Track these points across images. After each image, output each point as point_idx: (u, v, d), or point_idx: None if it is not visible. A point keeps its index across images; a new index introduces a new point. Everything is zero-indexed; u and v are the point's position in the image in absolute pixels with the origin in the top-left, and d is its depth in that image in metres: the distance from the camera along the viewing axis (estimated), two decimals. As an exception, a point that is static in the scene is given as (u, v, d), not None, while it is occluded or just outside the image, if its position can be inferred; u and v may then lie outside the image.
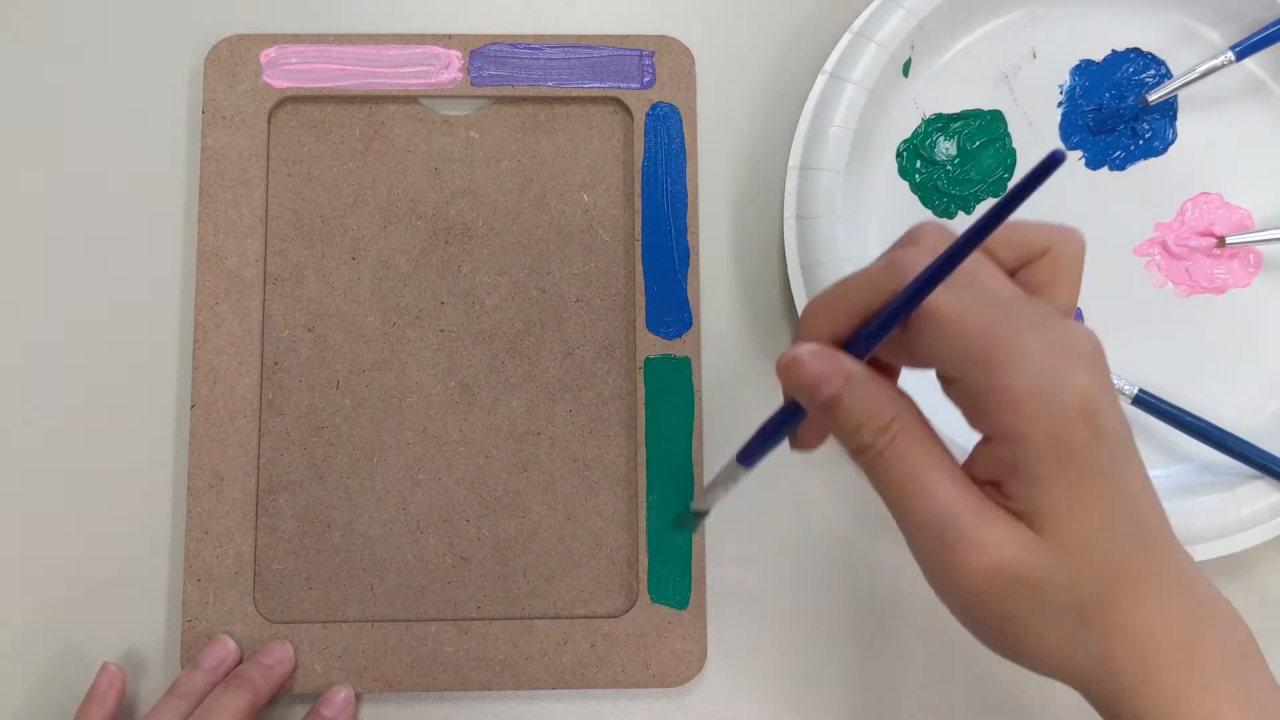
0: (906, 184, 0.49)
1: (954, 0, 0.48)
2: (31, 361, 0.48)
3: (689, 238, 0.48)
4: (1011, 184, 0.26)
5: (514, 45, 0.49)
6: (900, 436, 0.30)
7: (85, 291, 0.48)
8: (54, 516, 0.47)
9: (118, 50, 0.50)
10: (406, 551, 0.46)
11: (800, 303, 0.46)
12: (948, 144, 0.49)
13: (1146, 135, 0.49)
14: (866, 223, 0.48)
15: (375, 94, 0.49)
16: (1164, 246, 0.49)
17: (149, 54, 0.50)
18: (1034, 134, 0.49)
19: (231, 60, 0.49)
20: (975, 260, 0.29)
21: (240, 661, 0.45)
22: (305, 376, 0.47)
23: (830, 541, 0.47)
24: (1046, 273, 0.31)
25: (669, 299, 0.48)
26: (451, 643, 0.45)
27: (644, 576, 0.46)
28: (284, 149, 0.49)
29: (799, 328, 0.32)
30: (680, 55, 0.50)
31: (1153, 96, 0.48)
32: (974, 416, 0.29)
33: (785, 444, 0.34)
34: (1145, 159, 0.49)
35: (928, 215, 0.49)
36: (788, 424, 0.33)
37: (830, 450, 0.36)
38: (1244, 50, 0.48)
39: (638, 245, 0.48)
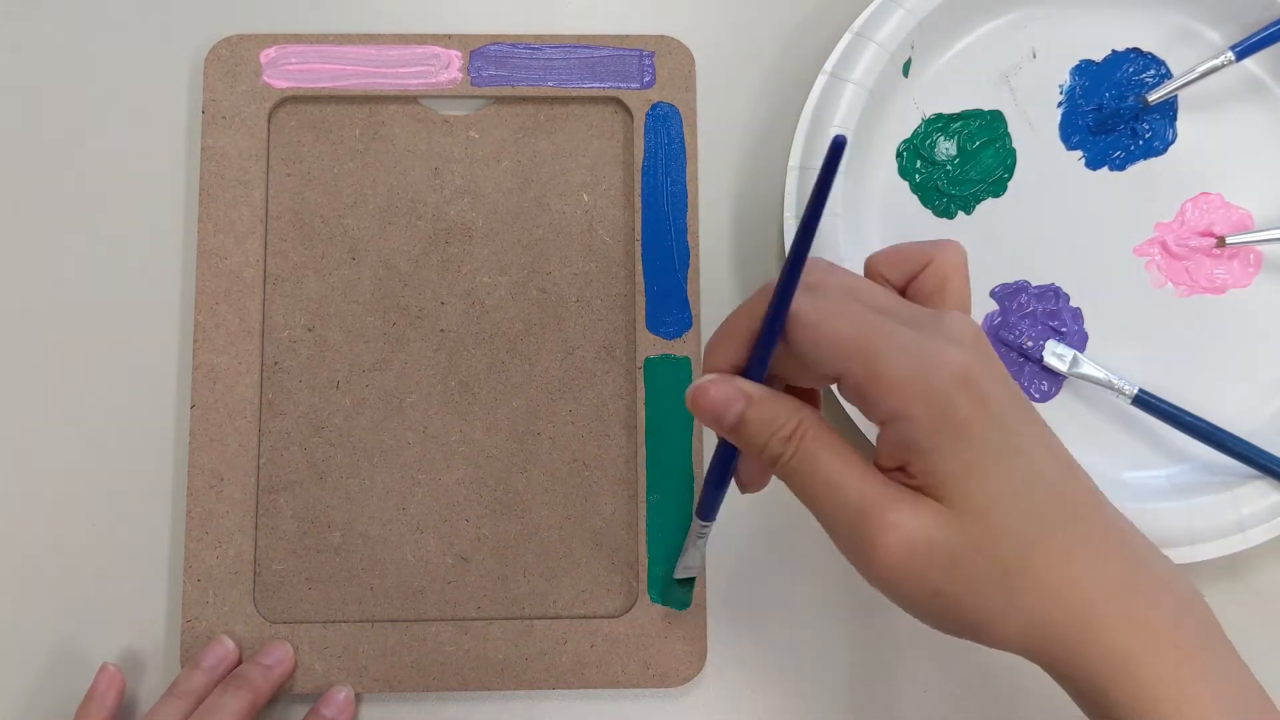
0: (906, 184, 0.49)
1: (954, 0, 0.48)
2: (32, 361, 0.48)
3: (689, 238, 0.48)
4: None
5: (514, 45, 0.49)
6: (805, 441, 0.32)
7: (85, 291, 0.48)
8: (54, 516, 0.47)
9: (118, 50, 0.50)
10: (406, 552, 0.46)
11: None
12: (948, 144, 0.49)
13: (1146, 135, 0.49)
14: (866, 223, 0.48)
15: (375, 94, 0.49)
16: (1164, 246, 0.49)
17: (149, 54, 0.50)
18: (1034, 134, 0.49)
19: (231, 60, 0.49)
20: (856, 281, 0.33)
21: (240, 661, 0.45)
22: (305, 376, 0.47)
23: (830, 542, 0.47)
24: (933, 282, 0.33)
25: (669, 299, 0.48)
26: (451, 643, 0.45)
27: (644, 576, 0.46)
28: (284, 149, 0.49)
29: (703, 363, 0.34)
30: (680, 55, 0.50)
31: (1153, 96, 0.48)
32: (865, 407, 0.31)
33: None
34: (1145, 159, 0.49)
35: (927, 215, 0.49)
36: (727, 466, 0.35)
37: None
38: (1244, 50, 0.48)
39: (638, 245, 0.48)
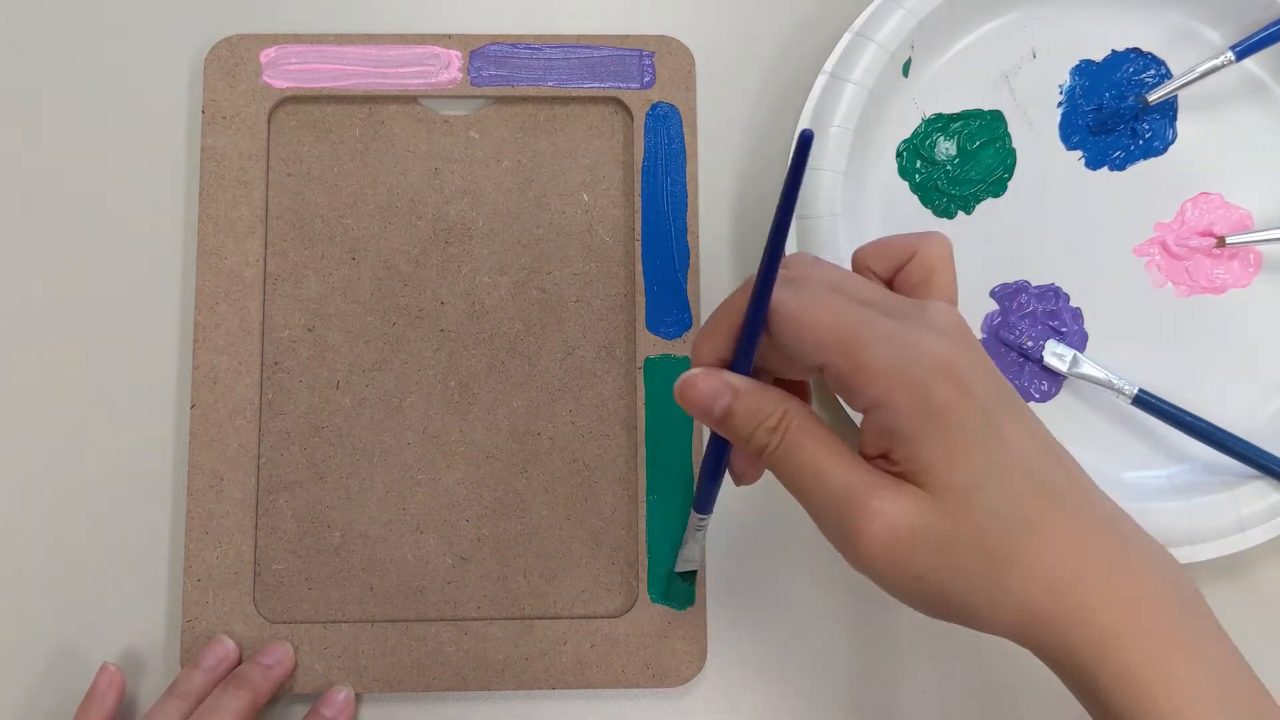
0: (906, 184, 0.49)
1: (954, 0, 0.48)
2: (32, 361, 0.48)
3: (689, 238, 0.48)
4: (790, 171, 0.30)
5: (514, 45, 0.49)
6: (790, 431, 0.32)
7: (85, 291, 0.48)
8: (54, 516, 0.47)
9: (117, 50, 0.50)
10: (406, 552, 0.46)
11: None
12: (948, 144, 0.49)
13: (1146, 135, 0.49)
14: (866, 223, 0.48)
15: (375, 94, 0.49)
16: (1164, 246, 0.49)
17: (149, 54, 0.50)
18: (1034, 134, 0.49)
19: (231, 60, 0.49)
20: (839, 274, 0.33)
21: (240, 661, 0.45)
22: (305, 376, 0.47)
23: (831, 542, 0.47)
24: (918, 273, 0.34)
25: (669, 299, 0.48)
26: (451, 643, 0.45)
27: (644, 576, 0.46)
28: (284, 149, 0.49)
29: (691, 357, 0.35)
30: (680, 55, 0.50)
31: (1153, 96, 0.48)
32: (848, 397, 0.32)
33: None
34: (1145, 159, 0.49)
35: (927, 215, 0.49)
36: (721, 458, 0.36)
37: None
38: (1244, 50, 0.48)
39: (638, 245, 0.48)
